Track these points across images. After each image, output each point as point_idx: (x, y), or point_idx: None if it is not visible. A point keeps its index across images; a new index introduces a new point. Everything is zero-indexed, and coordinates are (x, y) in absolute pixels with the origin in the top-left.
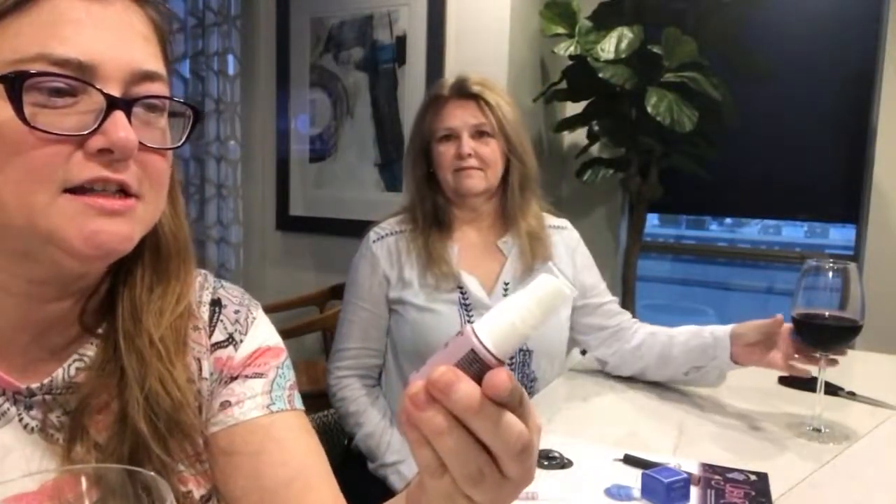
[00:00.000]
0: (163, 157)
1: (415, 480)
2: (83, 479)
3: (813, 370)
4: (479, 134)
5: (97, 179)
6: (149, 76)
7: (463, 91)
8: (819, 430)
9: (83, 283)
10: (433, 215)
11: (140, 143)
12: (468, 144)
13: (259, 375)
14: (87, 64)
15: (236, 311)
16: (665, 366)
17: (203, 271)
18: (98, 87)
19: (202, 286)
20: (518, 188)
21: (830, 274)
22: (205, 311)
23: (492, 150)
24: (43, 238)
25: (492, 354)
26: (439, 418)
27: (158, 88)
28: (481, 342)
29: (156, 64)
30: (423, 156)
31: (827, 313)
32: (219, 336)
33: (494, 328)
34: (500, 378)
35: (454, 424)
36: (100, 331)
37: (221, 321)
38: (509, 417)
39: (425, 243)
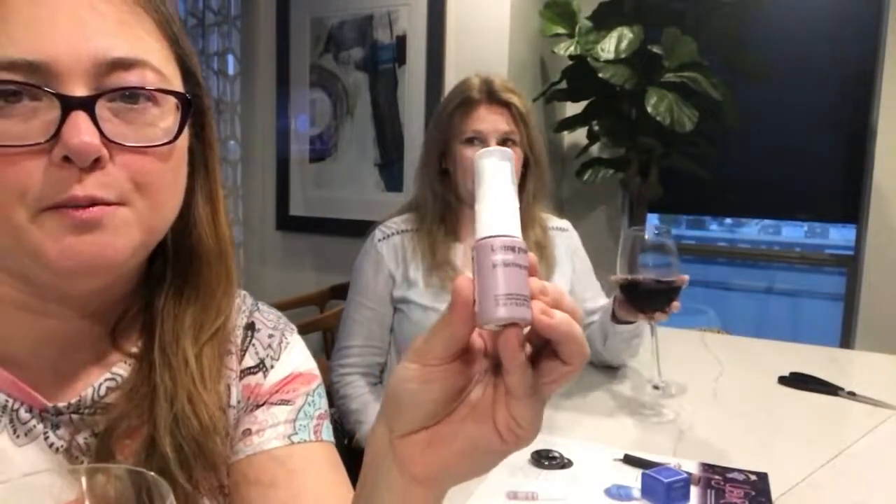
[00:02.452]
0: (148, 157)
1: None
2: (83, 479)
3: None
4: (504, 141)
5: (67, 200)
6: (120, 64)
7: (494, 97)
8: (658, 388)
9: (103, 300)
10: (441, 214)
11: (115, 142)
12: None
13: (285, 402)
14: (38, 63)
15: (270, 336)
16: (599, 340)
17: (243, 292)
18: (54, 87)
19: (239, 309)
20: (532, 196)
21: (650, 242)
22: (238, 335)
23: (516, 157)
24: (29, 257)
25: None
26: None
27: (136, 77)
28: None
29: (135, 49)
30: (442, 153)
31: (646, 278)
32: (249, 361)
33: (515, 225)
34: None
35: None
36: (134, 350)
37: (254, 345)
38: None
39: (431, 245)
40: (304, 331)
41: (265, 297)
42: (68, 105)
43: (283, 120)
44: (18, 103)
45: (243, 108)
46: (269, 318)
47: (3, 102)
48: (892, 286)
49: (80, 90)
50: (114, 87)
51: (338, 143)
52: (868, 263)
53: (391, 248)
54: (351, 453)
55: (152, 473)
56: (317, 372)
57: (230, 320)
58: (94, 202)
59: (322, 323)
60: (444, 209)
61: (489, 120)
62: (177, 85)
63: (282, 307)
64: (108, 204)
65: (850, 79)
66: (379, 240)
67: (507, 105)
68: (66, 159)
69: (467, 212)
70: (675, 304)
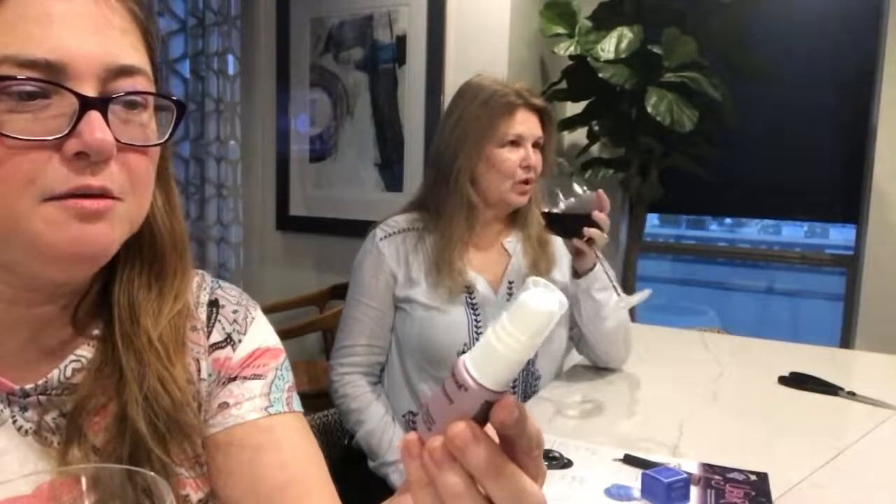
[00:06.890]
0: (144, 156)
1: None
2: (82, 480)
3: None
4: (534, 145)
5: (79, 188)
6: (126, 71)
7: (529, 102)
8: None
9: (70, 287)
10: (464, 216)
11: (119, 141)
12: (532, 156)
13: (257, 377)
14: (56, 63)
15: (234, 311)
16: (581, 316)
17: (201, 271)
18: (69, 86)
19: (200, 286)
20: None
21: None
22: (202, 312)
23: (540, 161)
24: (25, 246)
25: (499, 395)
26: (456, 480)
27: (138, 83)
28: (490, 390)
29: (134, 57)
30: (477, 157)
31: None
32: (217, 336)
33: (493, 370)
34: (508, 402)
35: (472, 487)
36: (96, 332)
37: (219, 321)
38: (528, 483)
39: (434, 244)
40: (304, 331)
41: (265, 298)
42: (86, 104)
43: (283, 120)
44: (30, 102)
45: (243, 108)
46: (231, 294)
47: (15, 101)
48: (892, 286)
49: (90, 92)
50: (120, 92)
51: (338, 143)
52: (868, 263)
53: (393, 248)
54: (351, 453)
55: (152, 473)
56: (281, 347)
57: (189, 303)
58: (104, 193)
59: (322, 323)
60: (469, 213)
61: (529, 124)
62: (157, 90)
63: (282, 307)
64: (113, 198)
65: (850, 79)
66: (380, 238)
67: (538, 110)
68: (79, 155)
69: (490, 215)
70: (593, 231)
